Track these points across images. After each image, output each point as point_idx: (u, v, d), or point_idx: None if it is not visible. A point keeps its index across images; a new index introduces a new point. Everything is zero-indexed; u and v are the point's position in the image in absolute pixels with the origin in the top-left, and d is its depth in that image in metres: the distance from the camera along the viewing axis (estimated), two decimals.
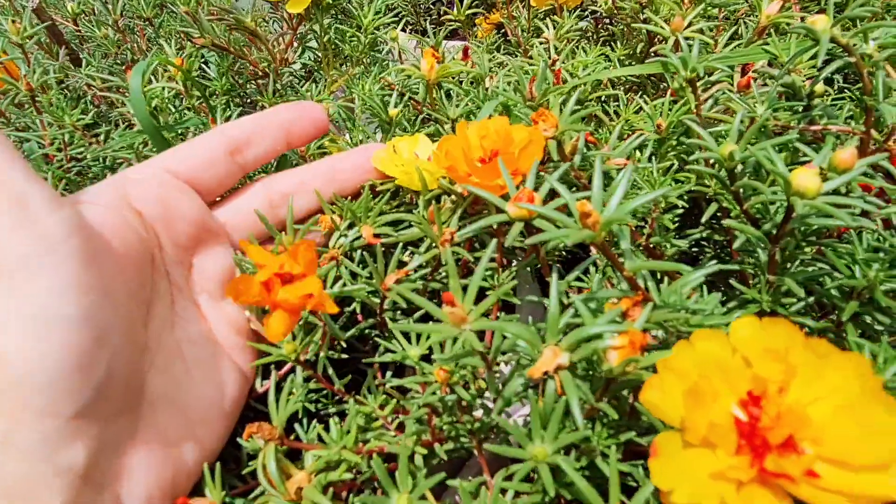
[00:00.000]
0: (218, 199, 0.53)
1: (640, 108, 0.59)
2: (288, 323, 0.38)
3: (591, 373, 0.36)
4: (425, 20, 1.14)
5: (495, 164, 0.46)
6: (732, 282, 0.44)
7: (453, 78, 0.68)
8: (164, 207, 0.45)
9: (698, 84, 0.58)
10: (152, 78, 0.68)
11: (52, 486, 0.32)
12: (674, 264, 0.32)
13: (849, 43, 0.48)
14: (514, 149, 0.47)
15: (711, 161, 0.47)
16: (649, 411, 0.26)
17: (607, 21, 0.91)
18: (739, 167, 0.44)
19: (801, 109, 0.55)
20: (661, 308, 0.36)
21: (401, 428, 0.44)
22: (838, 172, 0.38)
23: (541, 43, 0.78)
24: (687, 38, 0.60)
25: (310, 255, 0.38)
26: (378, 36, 0.75)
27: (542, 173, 0.46)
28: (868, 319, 0.41)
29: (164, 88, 0.67)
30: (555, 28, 0.79)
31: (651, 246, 0.51)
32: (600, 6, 0.85)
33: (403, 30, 1.24)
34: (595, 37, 0.90)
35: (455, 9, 0.93)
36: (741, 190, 0.43)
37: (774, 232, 0.40)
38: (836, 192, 0.37)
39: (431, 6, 1.12)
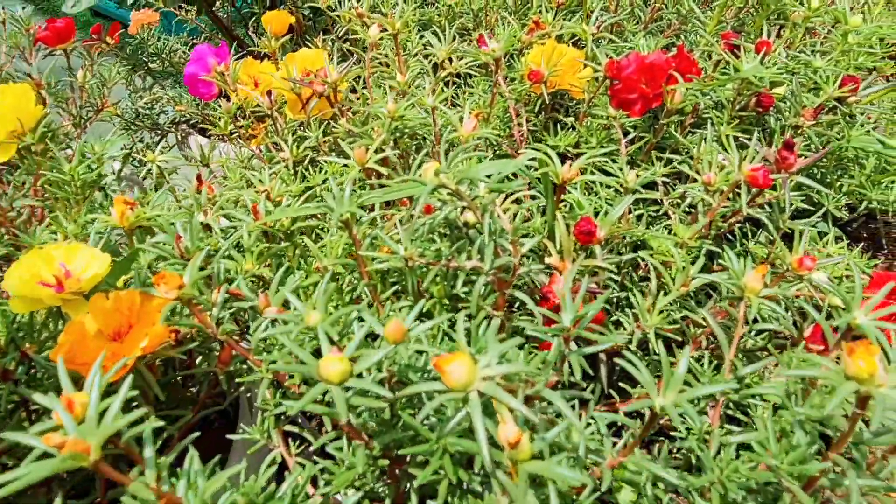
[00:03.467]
0: None
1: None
2: None
3: None
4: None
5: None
6: None
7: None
8: None
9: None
10: None
11: None
12: None
13: (458, 189, 0.50)
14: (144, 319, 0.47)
15: None
16: None
17: None
18: None
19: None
20: None
21: None
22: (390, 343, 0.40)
23: (280, 161, 0.79)
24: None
25: None
26: (92, 176, 0.74)
27: None
28: None
29: None
30: (294, 145, 0.80)
31: None
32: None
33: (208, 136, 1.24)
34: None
35: (223, 122, 0.93)
36: None
37: None
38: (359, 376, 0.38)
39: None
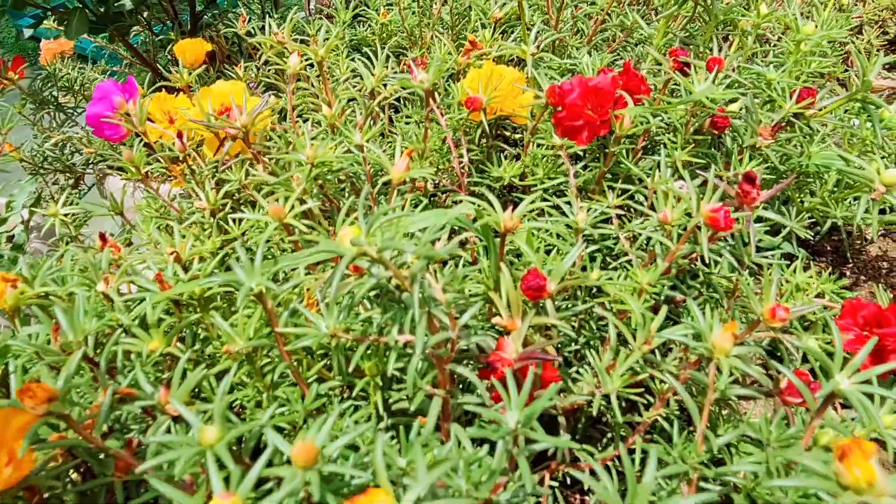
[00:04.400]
0: None
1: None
2: None
3: None
4: None
5: None
6: None
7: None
8: None
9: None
10: None
11: None
12: None
13: (381, 257, 0.43)
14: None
15: None
16: None
17: None
18: None
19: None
20: None
21: None
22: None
23: (197, 210, 0.71)
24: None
25: None
26: None
27: None
28: None
29: None
30: (213, 190, 0.72)
31: None
32: None
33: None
34: None
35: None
36: None
37: None
38: None
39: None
